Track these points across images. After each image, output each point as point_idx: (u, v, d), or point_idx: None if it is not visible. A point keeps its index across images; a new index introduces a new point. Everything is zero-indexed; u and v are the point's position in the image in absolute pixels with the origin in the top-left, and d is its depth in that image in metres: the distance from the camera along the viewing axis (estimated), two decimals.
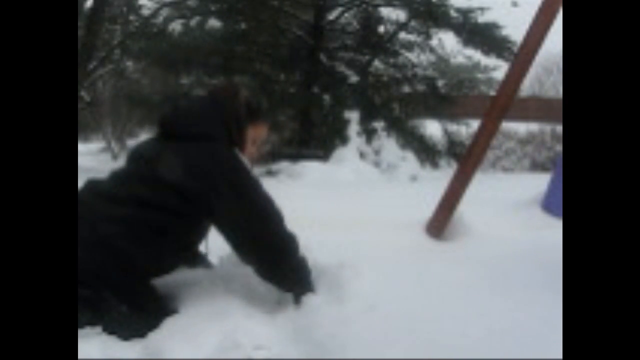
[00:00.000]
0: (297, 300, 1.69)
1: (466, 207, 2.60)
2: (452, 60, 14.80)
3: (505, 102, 2.49)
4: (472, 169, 2.56)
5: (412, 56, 10.46)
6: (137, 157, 1.77)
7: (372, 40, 10.15)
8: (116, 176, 1.73)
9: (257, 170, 9.01)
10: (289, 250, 1.71)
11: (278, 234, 1.70)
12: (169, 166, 1.65)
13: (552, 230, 2.45)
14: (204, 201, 1.63)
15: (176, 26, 10.76)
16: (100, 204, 1.62)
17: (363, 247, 2.16)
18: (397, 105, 10.05)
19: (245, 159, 1.73)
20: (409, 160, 8.56)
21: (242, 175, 1.69)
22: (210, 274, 1.80)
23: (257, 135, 1.88)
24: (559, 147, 10.66)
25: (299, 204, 3.92)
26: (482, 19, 9.52)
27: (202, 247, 1.91)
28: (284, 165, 8.08)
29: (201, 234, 1.80)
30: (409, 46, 10.43)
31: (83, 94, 10.35)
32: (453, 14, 9.41)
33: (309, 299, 1.66)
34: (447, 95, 10.27)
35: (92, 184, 1.72)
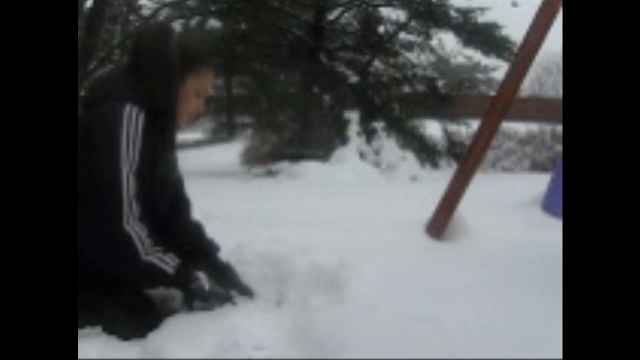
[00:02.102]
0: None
1: (466, 207, 2.60)
2: (452, 61, 14.80)
3: (505, 102, 2.49)
4: (472, 169, 2.56)
5: (412, 56, 10.45)
6: None
7: (372, 40, 10.14)
8: None
9: (257, 170, 9.02)
10: (116, 251, 1.46)
11: (104, 229, 1.44)
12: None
13: (552, 230, 2.45)
14: None
15: (176, 26, 10.75)
16: None
17: (363, 247, 2.16)
18: (397, 105, 10.04)
19: (132, 120, 1.45)
20: (409, 160, 8.55)
21: (103, 142, 1.42)
22: None
23: (201, 85, 1.61)
24: (559, 147, 10.65)
25: (299, 204, 3.92)
26: (482, 19, 9.51)
27: None
28: (284, 165, 8.06)
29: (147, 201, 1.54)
30: (409, 46, 10.41)
31: (83, 93, 10.34)
32: (453, 14, 9.40)
33: (309, 299, 1.65)
34: (447, 95, 10.26)
35: None
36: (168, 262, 1.54)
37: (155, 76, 1.51)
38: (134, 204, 1.47)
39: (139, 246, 1.47)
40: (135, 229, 1.47)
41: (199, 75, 1.60)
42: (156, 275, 1.52)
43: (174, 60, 1.52)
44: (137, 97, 1.49)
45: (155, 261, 1.51)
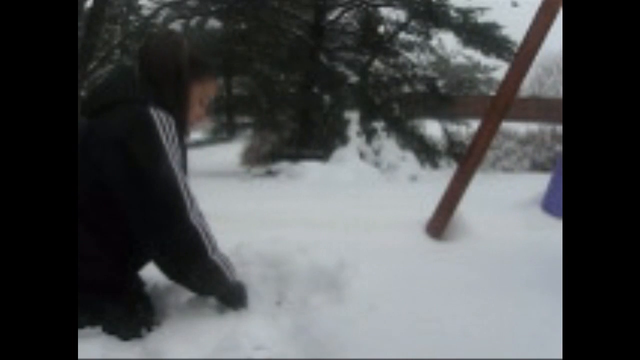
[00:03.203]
0: (229, 305, 1.57)
1: (466, 207, 2.60)
2: (452, 61, 14.81)
3: (505, 102, 2.49)
4: (472, 169, 2.56)
5: (412, 56, 10.46)
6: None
7: (372, 40, 10.15)
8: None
9: (257, 170, 9.02)
10: (184, 248, 1.43)
11: (169, 223, 1.40)
12: (83, 149, 1.44)
13: (552, 230, 2.45)
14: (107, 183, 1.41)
15: (176, 26, 10.76)
16: None
17: (363, 247, 2.16)
18: (397, 105, 10.05)
19: (162, 120, 1.44)
20: (409, 160, 8.56)
21: (139, 142, 1.40)
22: None
23: (205, 93, 1.63)
24: (559, 147, 10.65)
25: (299, 204, 3.92)
26: (482, 19, 9.53)
27: None
28: (284, 165, 8.08)
29: None
30: (409, 46, 10.43)
31: (83, 94, 10.35)
32: (453, 14, 9.41)
33: (309, 299, 1.65)
34: (447, 95, 10.28)
35: None
36: (230, 270, 1.54)
37: (167, 83, 1.53)
38: (193, 198, 1.46)
39: (206, 242, 1.45)
40: (202, 224, 1.46)
41: (204, 84, 1.62)
42: (216, 280, 1.50)
43: (186, 69, 1.54)
44: (154, 101, 1.48)
45: (220, 264, 1.50)
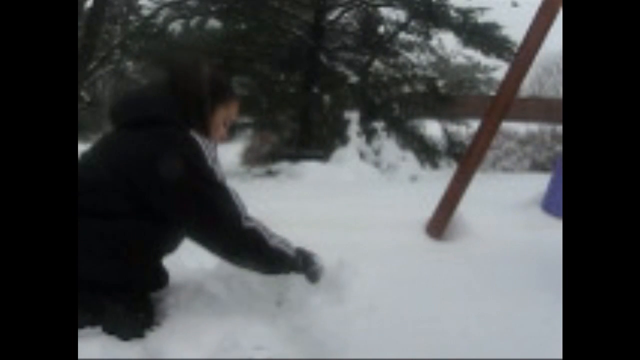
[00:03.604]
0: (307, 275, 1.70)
1: (466, 207, 2.61)
2: (452, 61, 14.77)
3: (505, 102, 2.49)
4: (472, 169, 2.56)
5: (412, 56, 10.45)
6: (85, 160, 1.59)
7: (372, 40, 10.14)
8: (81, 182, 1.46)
9: (257, 171, 8.96)
10: (249, 248, 1.60)
11: (233, 233, 1.57)
12: (111, 163, 1.53)
13: (552, 230, 2.45)
14: (147, 198, 1.51)
15: (176, 26, 10.75)
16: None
17: (363, 247, 2.16)
18: (397, 105, 10.04)
19: (204, 143, 1.57)
20: (409, 160, 8.55)
21: (191, 164, 1.52)
22: (210, 274, 1.80)
23: (229, 115, 1.74)
24: (559, 147, 10.64)
25: (299, 204, 3.92)
26: (482, 19, 9.51)
27: None
28: (284, 165, 8.07)
29: (176, 236, 1.65)
30: (409, 46, 10.42)
31: (83, 94, 10.35)
32: (453, 14, 9.40)
33: (309, 299, 1.65)
34: (447, 95, 10.26)
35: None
36: (289, 246, 1.70)
37: (197, 108, 1.64)
38: (242, 203, 1.62)
39: (264, 234, 1.62)
40: (255, 221, 1.63)
41: (228, 106, 1.73)
42: (281, 260, 1.66)
43: (206, 92, 1.65)
44: (187, 123, 1.60)
45: (280, 245, 1.66)
